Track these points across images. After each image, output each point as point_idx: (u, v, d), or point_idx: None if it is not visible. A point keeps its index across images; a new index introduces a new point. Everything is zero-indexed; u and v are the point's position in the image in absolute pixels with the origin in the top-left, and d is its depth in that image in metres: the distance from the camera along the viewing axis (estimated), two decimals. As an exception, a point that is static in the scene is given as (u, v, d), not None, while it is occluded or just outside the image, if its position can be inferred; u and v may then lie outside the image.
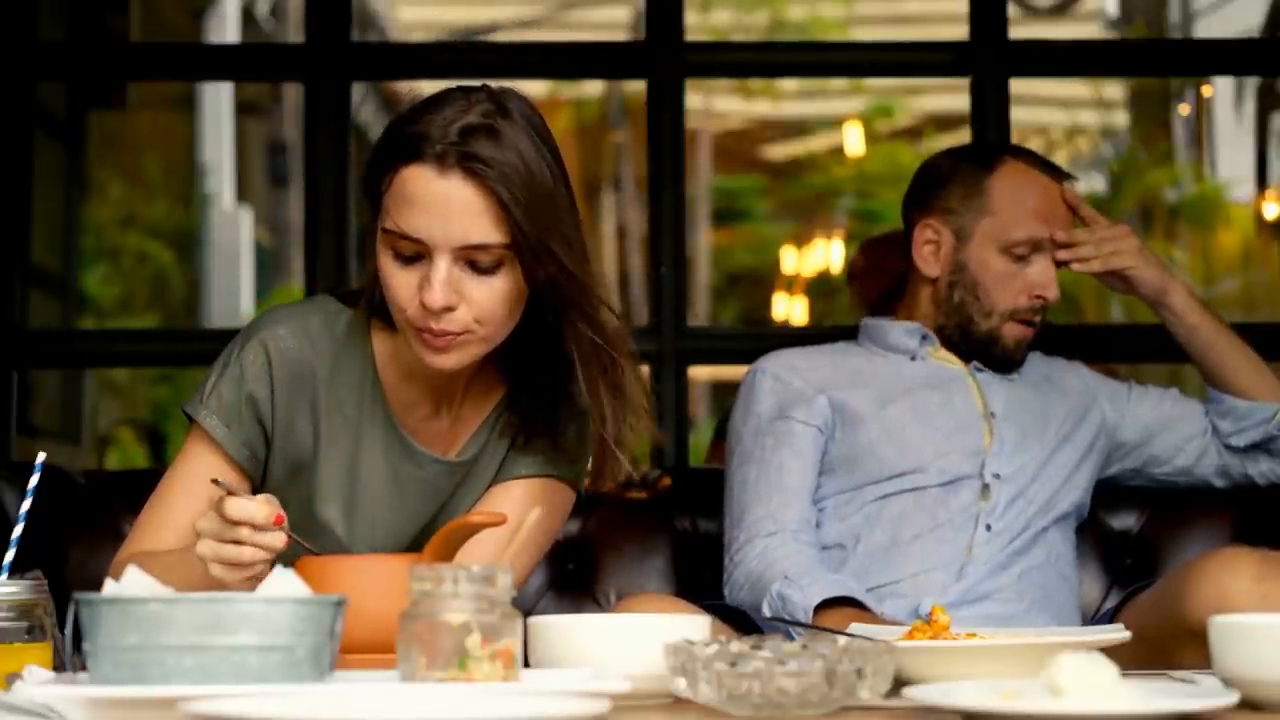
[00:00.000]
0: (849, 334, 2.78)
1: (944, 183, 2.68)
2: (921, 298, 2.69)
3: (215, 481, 1.81)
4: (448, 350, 1.90)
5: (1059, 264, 2.64)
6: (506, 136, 1.85)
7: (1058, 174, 2.67)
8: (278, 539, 1.73)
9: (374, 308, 2.02)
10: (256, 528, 1.72)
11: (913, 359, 2.66)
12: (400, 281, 1.89)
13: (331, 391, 2.03)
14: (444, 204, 1.84)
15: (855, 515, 2.55)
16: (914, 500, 2.54)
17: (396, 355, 2.04)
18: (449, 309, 1.86)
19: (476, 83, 1.94)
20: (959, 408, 2.61)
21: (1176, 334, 2.69)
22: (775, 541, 2.48)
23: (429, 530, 2.05)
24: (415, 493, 2.05)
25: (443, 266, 1.85)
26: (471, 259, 1.86)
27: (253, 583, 1.75)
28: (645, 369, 3.38)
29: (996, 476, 2.55)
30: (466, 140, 1.84)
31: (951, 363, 2.66)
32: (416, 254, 1.87)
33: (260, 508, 1.72)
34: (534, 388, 2.03)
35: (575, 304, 1.93)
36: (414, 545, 2.05)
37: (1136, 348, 3.70)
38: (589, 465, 2.03)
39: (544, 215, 1.86)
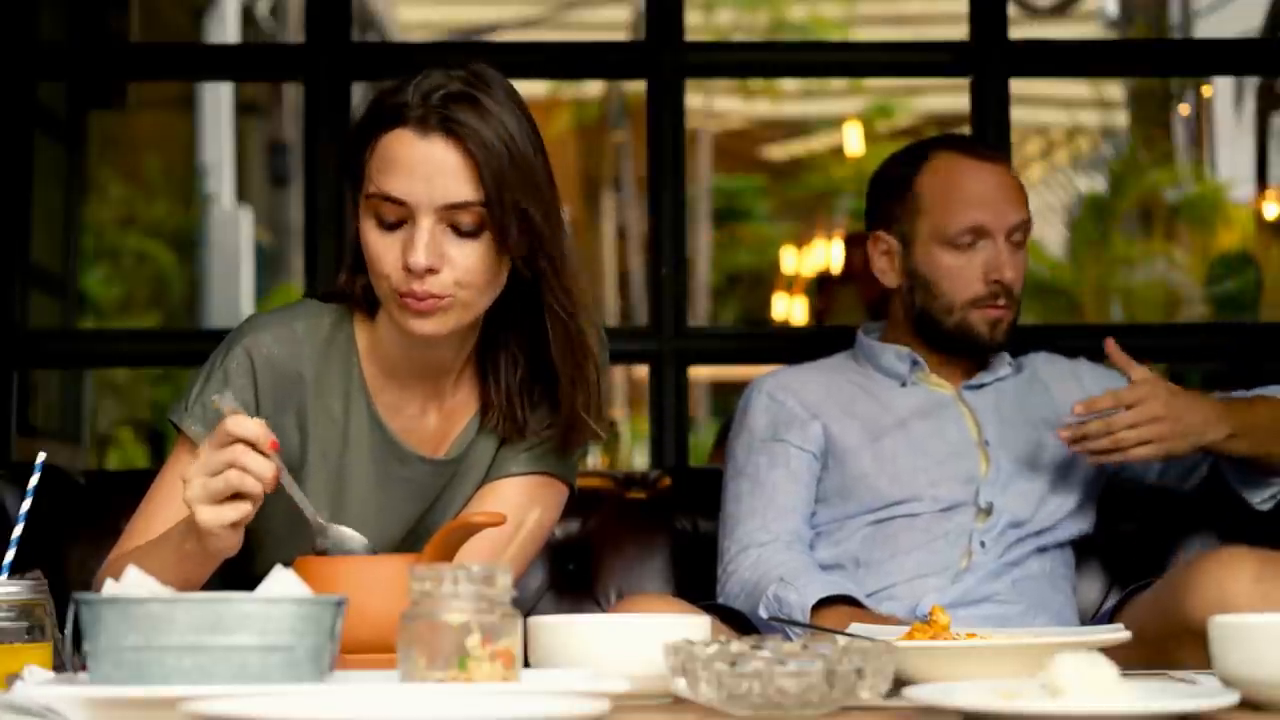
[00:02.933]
0: (846, 335, 2.78)
1: (882, 191, 2.66)
2: (895, 310, 2.67)
3: (215, 399, 1.81)
4: (430, 314, 1.91)
5: (1074, 441, 2.45)
6: (487, 105, 1.91)
7: (989, 156, 2.62)
8: (267, 465, 1.73)
9: (356, 301, 2.03)
10: (253, 447, 1.72)
11: (903, 385, 2.64)
12: (383, 247, 1.91)
13: (318, 395, 2.02)
14: (425, 164, 1.89)
15: (850, 540, 2.55)
16: (908, 522, 2.53)
17: (379, 348, 2.04)
18: (432, 271, 1.89)
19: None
20: (952, 436, 2.59)
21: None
22: (769, 550, 2.47)
23: (417, 530, 2.06)
24: (402, 493, 2.05)
25: (426, 227, 1.89)
26: (453, 221, 1.90)
27: (236, 532, 1.75)
28: (645, 368, 3.41)
29: (991, 503, 2.54)
30: (447, 105, 1.90)
31: (942, 387, 2.64)
32: (399, 220, 1.91)
33: (259, 428, 1.73)
34: (505, 373, 2.04)
35: (549, 274, 1.97)
36: (402, 545, 2.05)
37: (1136, 348, 3.69)
38: (562, 435, 2.05)
39: (522, 181, 1.91)
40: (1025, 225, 2.59)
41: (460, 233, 1.90)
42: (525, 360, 2.04)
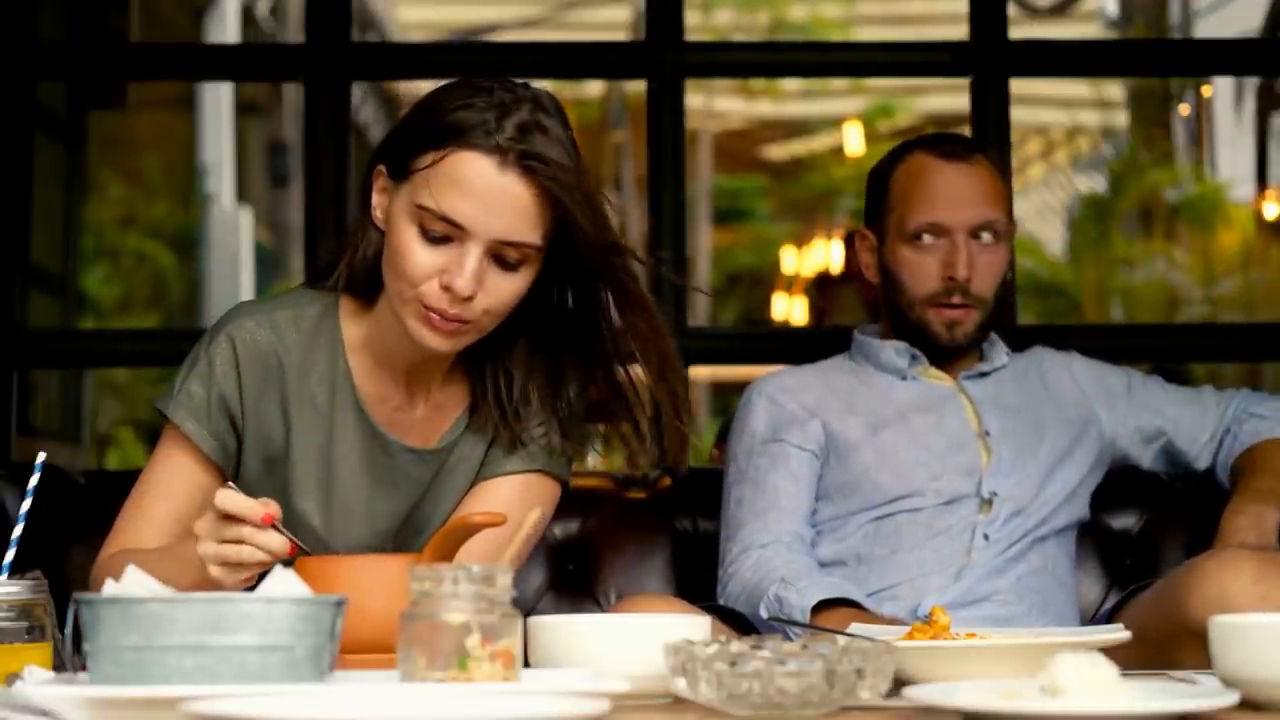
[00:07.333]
0: (847, 335, 2.78)
1: (868, 188, 2.71)
2: (881, 306, 2.71)
3: (226, 484, 1.82)
4: (450, 335, 1.92)
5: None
6: (554, 134, 1.90)
7: (957, 154, 2.61)
8: (277, 541, 1.74)
9: (350, 286, 2.02)
10: (255, 526, 1.72)
11: (904, 378, 2.65)
12: (422, 259, 1.89)
13: (301, 383, 2.03)
14: (497, 197, 1.87)
15: (852, 536, 2.55)
16: (910, 518, 2.54)
17: (368, 342, 2.04)
18: (469, 298, 1.89)
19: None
20: (952, 428, 2.60)
21: None
22: (770, 551, 2.47)
23: (408, 523, 2.06)
24: (389, 483, 2.05)
25: (475, 254, 1.88)
26: (501, 254, 1.89)
27: (249, 581, 1.76)
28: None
29: (994, 494, 2.55)
30: (526, 138, 1.88)
31: (942, 380, 2.65)
32: (445, 236, 1.89)
33: (254, 505, 1.73)
34: (495, 378, 2.05)
35: (616, 271, 1.97)
36: (395, 539, 2.06)
37: (1136, 348, 3.70)
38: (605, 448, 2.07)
39: (581, 211, 1.91)
40: (992, 225, 2.59)
41: (503, 265, 1.90)
42: (537, 368, 2.04)
